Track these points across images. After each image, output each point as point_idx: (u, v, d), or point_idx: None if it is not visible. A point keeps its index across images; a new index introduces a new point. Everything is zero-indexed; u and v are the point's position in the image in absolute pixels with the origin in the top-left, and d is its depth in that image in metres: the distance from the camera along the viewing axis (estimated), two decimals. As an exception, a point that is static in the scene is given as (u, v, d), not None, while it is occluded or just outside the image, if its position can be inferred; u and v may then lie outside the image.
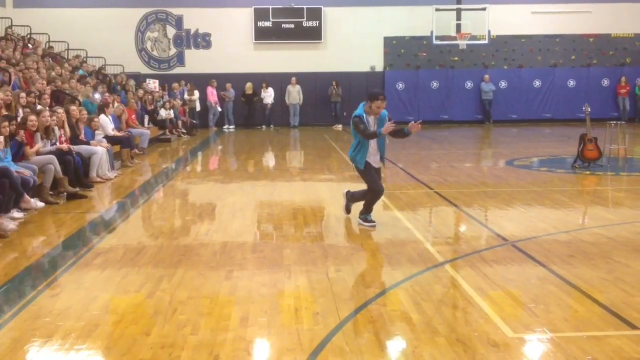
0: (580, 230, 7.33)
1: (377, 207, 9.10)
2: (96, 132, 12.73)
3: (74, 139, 11.19)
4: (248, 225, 7.88)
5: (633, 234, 7.05)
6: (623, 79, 24.14)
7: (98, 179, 11.23)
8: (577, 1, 24.29)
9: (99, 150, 11.39)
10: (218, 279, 5.64)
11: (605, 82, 24.50)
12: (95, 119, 12.59)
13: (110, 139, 13.04)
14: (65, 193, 9.55)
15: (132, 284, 5.53)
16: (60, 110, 11.11)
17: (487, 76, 24.09)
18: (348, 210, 8.16)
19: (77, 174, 10.03)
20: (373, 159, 7.59)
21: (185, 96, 22.96)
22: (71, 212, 8.76)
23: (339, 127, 23.43)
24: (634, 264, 5.89)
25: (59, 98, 13.94)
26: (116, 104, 13.84)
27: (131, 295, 5.25)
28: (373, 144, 7.52)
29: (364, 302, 4.97)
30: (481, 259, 6.18)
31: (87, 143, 11.53)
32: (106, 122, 13.44)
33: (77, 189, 9.77)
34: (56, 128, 10.57)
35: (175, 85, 23.04)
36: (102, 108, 13.77)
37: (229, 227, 7.84)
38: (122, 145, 13.52)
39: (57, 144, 10.32)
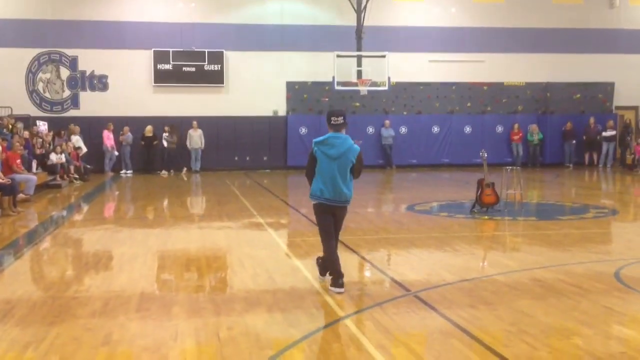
0: (481, 278, 7.19)
1: (278, 256, 8.72)
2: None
3: (-54, 186, 10.22)
4: (135, 279, 7.27)
5: (532, 281, 6.97)
6: (516, 125, 25.11)
7: (-28, 230, 10.27)
8: (471, 51, 25.19)
9: (-26, 198, 10.44)
10: (94, 345, 5.04)
11: (500, 129, 25.39)
12: (-28, 164, 11.61)
13: (-10, 186, 12.07)
14: None
15: (-8, 353, 4.84)
16: None
17: (387, 121, 24.44)
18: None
19: (-55, 224, 9.08)
20: None
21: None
22: None
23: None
24: (537, 314, 5.75)
25: None
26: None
27: (-11, 368, 4.58)
28: None
29: (256, 366, 4.53)
30: (383, 312, 5.88)
31: (-39, 190, 10.57)
32: (-14, 168, 12.46)
33: (-55, 242, 8.83)
34: None
35: (77, 128, 22.02)
36: (-19, 152, 12.76)
37: (114, 281, 7.21)
38: (3, 192, 12.52)
39: None
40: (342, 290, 6.49)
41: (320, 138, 6.60)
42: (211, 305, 6.15)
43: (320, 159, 6.48)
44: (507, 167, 13.75)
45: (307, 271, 7.46)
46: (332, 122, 6.56)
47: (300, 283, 7.00)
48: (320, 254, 6.98)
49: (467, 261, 8.23)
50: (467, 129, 25.26)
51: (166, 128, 23.25)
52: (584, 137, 24.89)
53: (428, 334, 5.31)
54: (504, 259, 8.38)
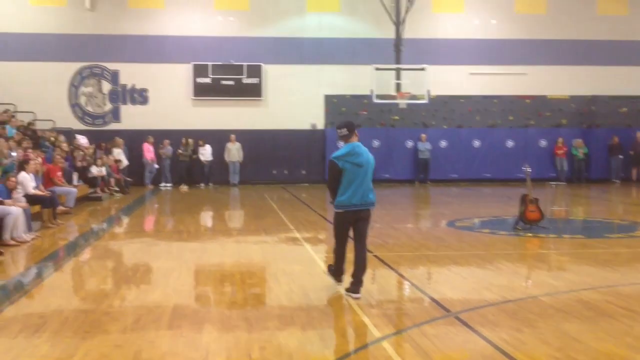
0: (526, 299, 6.87)
1: (314, 272, 8.48)
2: (16, 190, 11.82)
3: (-14, 198, 10.30)
4: (169, 295, 7.14)
5: (580, 303, 6.62)
6: (560, 139, 24.49)
7: (12, 242, 10.31)
8: (513, 63, 24.75)
9: (14, 211, 10.49)
10: (123, 363, 4.91)
11: (543, 143, 24.80)
12: (12, 178, 11.68)
13: (31, 198, 12.15)
14: (-32, 258, 8.63)
15: (20, 371, 4.74)
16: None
17: (423, 135, 24.05)
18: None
19: (-16, 236, 9.12)
20: None
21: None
22: (-28, 280, 7.86)
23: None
24: (585, 339, 5.42)
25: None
26: (32, 162, 12.94)
27: (15, 386, 4.47)
28: None
29: (288, 390, 4.33)
30: (422, 333, 5.62)
31: (2, 203, 10.63)
32: (27, 180, 12.52)
33: (-18, 254, 8.86)
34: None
35: (120, 141, 22.27)
36: (22, 165, 12.87)
37: (147, 296, 7.10)
38: (43, 204, 12.61)
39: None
40: (341, 283, 7.19)
41: (342, 152, 6.91)
42: (244, 323, 5.97)
43: (350, 169, 6.80)
44: (552, 183, 13.32)
45: (343, 288, 7.24)
46: (339, 134, 7.02)
47: (336, 301, 6.80)
48: (331, 263, 7.44)
49: (511, 280, 7.91)
50: (510, 143, 24.74)
51: (200, 142, 23.31)
52: (631, 152, 24.11)
53: (469, 358, 5.04)
54: (549, 278, 8.03)
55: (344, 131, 6.93)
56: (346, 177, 6.80)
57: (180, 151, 23.18)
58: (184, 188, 22.54)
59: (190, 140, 23.28)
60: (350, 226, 7.03)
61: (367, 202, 6.93)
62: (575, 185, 22.95)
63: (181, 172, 23.21)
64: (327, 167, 7.11)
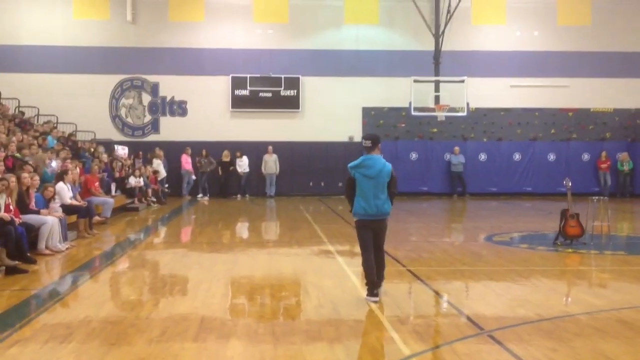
0: (563, 318, 6.60)
1: (344, 286, 8.31)
2: (53, 200, 11.96)
3: (23, 208, 10.41)
4: (197, 307, 7.06)
5: (621, 324, 6.33)
6: (603, 153, 23.91)
7: (47, 252, 10.42)
8: (555, 75, 24.30)
9: (49, 220, 10.59)
10: (144, 376, 4.83)
11: (586, 157, 24.25)
12: (50, 188, 11.81)
13: (67, 208, 12.28)
14: (3, 267, 8.70)
15: (42, 382, 4.70)
16: (12, 178, 10.37)
17: (457, 148, 23.73)
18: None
19: (19, 245, 9.19)
20: None
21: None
22: (6, 290, 7.90)
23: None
24: (625, 361, 5.16)
25: (15, 165, 13.21)
26: (70, 172, 13.11)
27: (35, 397, 4.42)
28: None
29: (310, 409, 4.19)
30: (452, 351, 5.43)
31: (38, 212, 10.76)
32: (64, 190, 12.67)
33: (17, 263, 8.92)
34: (2, 196, 9.81)
35: (161, 152, 22.52)
36: (61, 175, 13.03)
37: (175, 307, 7.04)
38: (79, 214, 12.74)
39: (2, 212, 9.53)
40: (376, 299, 7.07)
41: (355, 162, 7.28)
42: (270, 337, 5.86)
43: (360, 180, 7.19)
44: (594, 197, 12.89)
45: (373, 303, 7.07)
46: (363, 144, 7.36)
47: (366, 316, 6.64)
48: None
49: (548, 298, 7.62)
50: (551, 157, 24.26)
51: (237, 153, 23.43)
52: (678, 166, 23.43)
53: (501, 379, 4.83)
54: (588, 296, 7.73)
55: (369, 143, 7.27)
56: (358, 187, 7.17)
57: (201, 161, 23.22)
58: (204, 199, 22.67)
59: (226, 152, 23.41)
60: (370, 234, 7.25)
61: (382, 213, 7.19)
62: (619, 200, 22.31)
63: (203, 184, 23.34)
64: None
